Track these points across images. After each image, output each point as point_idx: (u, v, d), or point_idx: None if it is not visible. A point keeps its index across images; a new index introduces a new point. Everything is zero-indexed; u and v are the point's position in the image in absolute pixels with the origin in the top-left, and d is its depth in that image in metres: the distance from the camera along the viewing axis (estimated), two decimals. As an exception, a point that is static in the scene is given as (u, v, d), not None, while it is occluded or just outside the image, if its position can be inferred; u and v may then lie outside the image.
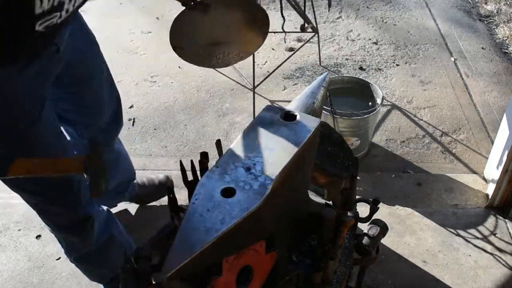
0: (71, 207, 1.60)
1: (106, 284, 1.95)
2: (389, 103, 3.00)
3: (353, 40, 3.54)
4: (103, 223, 1.77)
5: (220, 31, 1.73)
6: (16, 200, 2.40)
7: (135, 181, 2.29)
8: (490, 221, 2.30)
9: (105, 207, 1.85)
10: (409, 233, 2.23)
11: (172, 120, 2.88)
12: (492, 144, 2.53)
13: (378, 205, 1.46)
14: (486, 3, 3.99)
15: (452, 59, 3.38)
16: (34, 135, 1.36)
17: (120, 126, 1.95)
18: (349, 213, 1.38)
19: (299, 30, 2.96)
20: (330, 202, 1.39)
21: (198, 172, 1.23)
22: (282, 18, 2.76)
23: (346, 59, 3.36)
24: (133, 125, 2.85)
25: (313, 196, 1.50)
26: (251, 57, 2.92)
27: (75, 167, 1.14)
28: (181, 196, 2.28)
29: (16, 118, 1.31)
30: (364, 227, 1.54)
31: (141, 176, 2.37)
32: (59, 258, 2.13)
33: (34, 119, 1.33)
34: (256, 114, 1.86)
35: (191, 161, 1.25)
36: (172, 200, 1.29)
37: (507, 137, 2.24)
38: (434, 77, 3.21)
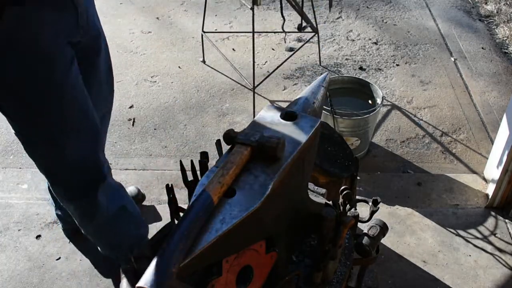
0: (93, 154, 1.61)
1: (118, 256, 1.94)
2: (389, 103, 3.00)
3: (353, 40, 3.54)
4: (115, 192, 1.78)
5: None
6: (16, 200, 2.41)
7: None
8: (490, 221, 2.30)
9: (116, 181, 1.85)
10: (409, 233, 2.23)
11: (172, 120, 2.88)
12: (492, 144, 2.53)
13: (378, 205, 1.46)
14: (486, 3, 3.99)
15: (452, 59, 3.38)
16: (67, 89, 1.41)
17: (106, 127, 1.91)
18: (349, 213, 1.38)
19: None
20: (330, 202, 1.39)
21: (198, 172, 1.23)
22: (282, 18, 2.76)
23: (346, 59, 3.36)
24: (133, 125, 2.85)
25: (313, 196, 1.50)
26: (251, 57, 2.92)
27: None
28: (181, 196, 2.29)
29: (50, 70, 1.35)
30: (364, 227, 1.54)
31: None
32: (59, 258, 2.13)
33: (66, 71, 1.38)
34: (256, 114, 1.86)
35: (191, 161, 1.25)
36: (172, 200, 1.29)
37: (507, 137, 2.24)
38: (434, 77, 3.21)
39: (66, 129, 1.49)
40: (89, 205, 1.72)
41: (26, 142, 1.52)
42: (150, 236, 2.08)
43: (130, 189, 2.31)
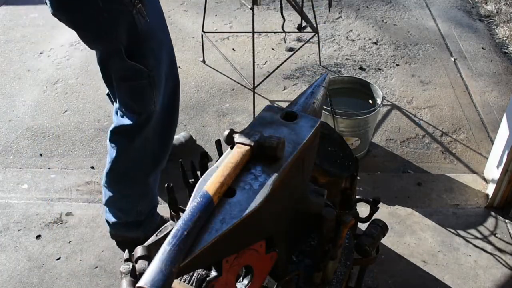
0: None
1: (141, 222, 2.11)
2: (389, 103, 3.00)
3: (353, 40, 3.54)
4: None
5: None
6: (16, 200, 2.41)
7: None
8: (490, 221, 2.30)
9: None
10: (409, 233, 2.23)
11: (172, 120, 2.88)
12: (492, 144, 2.53)
13: (378, 205, 1.46)
14: (486, 3, 3.99)
15: (452, 59, 3.38)
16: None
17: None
18: (349, 213, 1.38)
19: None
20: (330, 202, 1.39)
21: (198, 172, 1.23)
22: (282, 18, 2.76)
23: (346, 59, 3.36)
24: (133, 125, 2.85)
25: (313, 196, 1.49)
26: (251, 57, 2.92)
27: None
28: (181, 196, 2.27)
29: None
30: (364, 227, 1.54)
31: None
32: (59, 258, 2.13)
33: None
34: (256, 114, 1.86)
35: (191, 161, 1.25)
36: (172, 200, 1.29)
37: (507, 137, 2.24)
38: (434, 77, 3.21)
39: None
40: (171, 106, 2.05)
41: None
42: (150, 236, 2.08)
43: (183, 134, 2.64)
